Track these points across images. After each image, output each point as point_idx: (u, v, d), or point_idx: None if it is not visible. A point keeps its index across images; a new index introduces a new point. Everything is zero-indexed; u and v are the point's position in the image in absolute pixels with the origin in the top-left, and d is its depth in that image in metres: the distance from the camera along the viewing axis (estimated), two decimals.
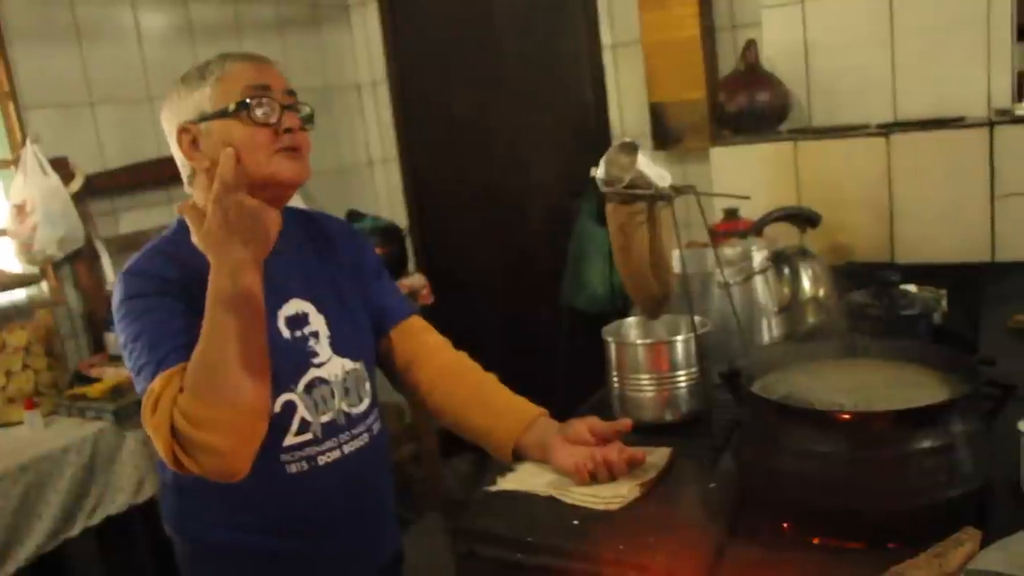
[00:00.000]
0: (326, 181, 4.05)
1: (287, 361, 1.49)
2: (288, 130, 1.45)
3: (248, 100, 1.43)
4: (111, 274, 2.98)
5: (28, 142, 2.81)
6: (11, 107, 2.88)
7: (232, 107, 1.43)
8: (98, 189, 3.07)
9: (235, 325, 1.31)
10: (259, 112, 1.43)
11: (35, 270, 2.85)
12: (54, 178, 2.83)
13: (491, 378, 1.70)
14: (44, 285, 2.82)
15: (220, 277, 1.32)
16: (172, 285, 1.41)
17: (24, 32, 2.91)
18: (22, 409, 2.51)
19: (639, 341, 1.72)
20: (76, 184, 2.95)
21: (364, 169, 4.35)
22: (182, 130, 1.47)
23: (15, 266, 2.83)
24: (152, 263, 1.45)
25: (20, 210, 2.78)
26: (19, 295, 2.65)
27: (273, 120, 1.44)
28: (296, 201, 3.54)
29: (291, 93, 1.49)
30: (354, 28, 4.24)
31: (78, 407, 2.58)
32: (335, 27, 4.18)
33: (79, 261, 2.99)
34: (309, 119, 1.52)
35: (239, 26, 3.70)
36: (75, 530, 2.38)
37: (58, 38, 3.03)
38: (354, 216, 3.83)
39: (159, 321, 1.38)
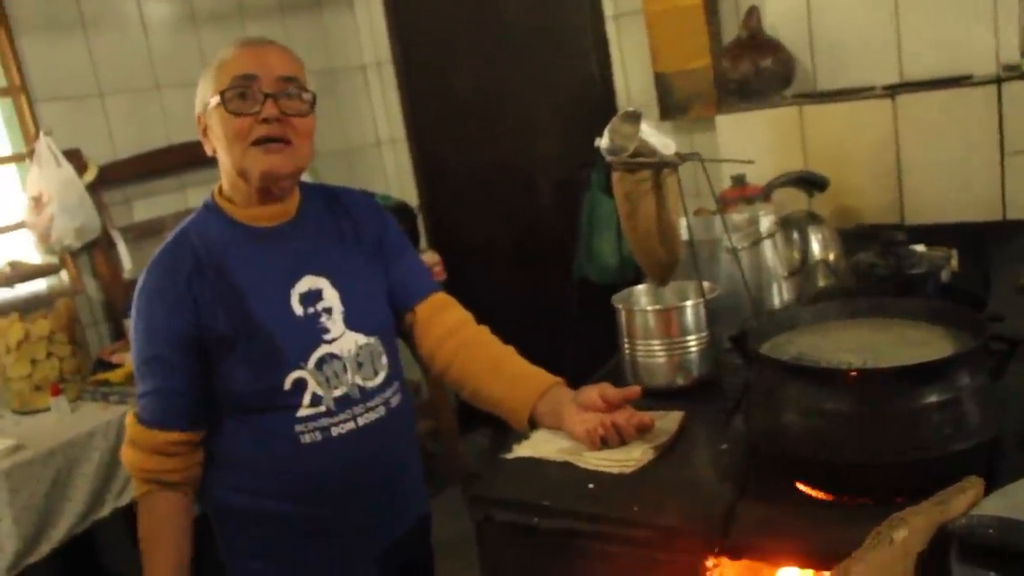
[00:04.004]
0: (334, 162, 4.07)
1: (298, 338, 1.54)
2: (267, 120, 1.47)
3: (224, 92, 1.47)
4: (128, 262, 3.02)
5: (41, 135, 2.84)
6: (23, 100, 2.92)
7: (216, 99, 1.48)
8: (111, 179, 3.11)
9: None
10: (232, 104, 1.47)
11: (54, 260, 2.89)
12: (68, 169, 2.87)
13: (509, 350, 1.73)
14: (63, 275, 2.87)
15: None
16: (183, 290, 1.51)
17: (31, 25, 2.94)
18: (48, 396, 2.57)
19: (649, 307, 1.74)
20: (90, 175, 2.99)
21: (372, 149, 4.36)
22: (198, 118, 1.56)
23: (35, 257, 2.87)
24: (175, 253, 1.54)
25: (37, 202, 2.82)
26: (40, 285, 2.69)
27: (248, 111, 1.47)
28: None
29: (287, 79, 1.50)
30: (357, 9, 4.24)
31: (102, 392, 2.63)
32: (337, 9, 4.18)
33: (96, 250, 3.04)
34: (309, 105, 1.53)
35: (242, 12, 3.71)
36: (105, 511, 2.44)
37: (64, 30, 3.06)
38: None
39: (151, 356, 1.54)
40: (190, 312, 1.50)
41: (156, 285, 1.53)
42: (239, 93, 1.47)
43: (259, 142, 1.48)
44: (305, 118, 1.53)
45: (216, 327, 1.50)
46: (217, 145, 1.53)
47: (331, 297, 1.58)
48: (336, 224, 1.66)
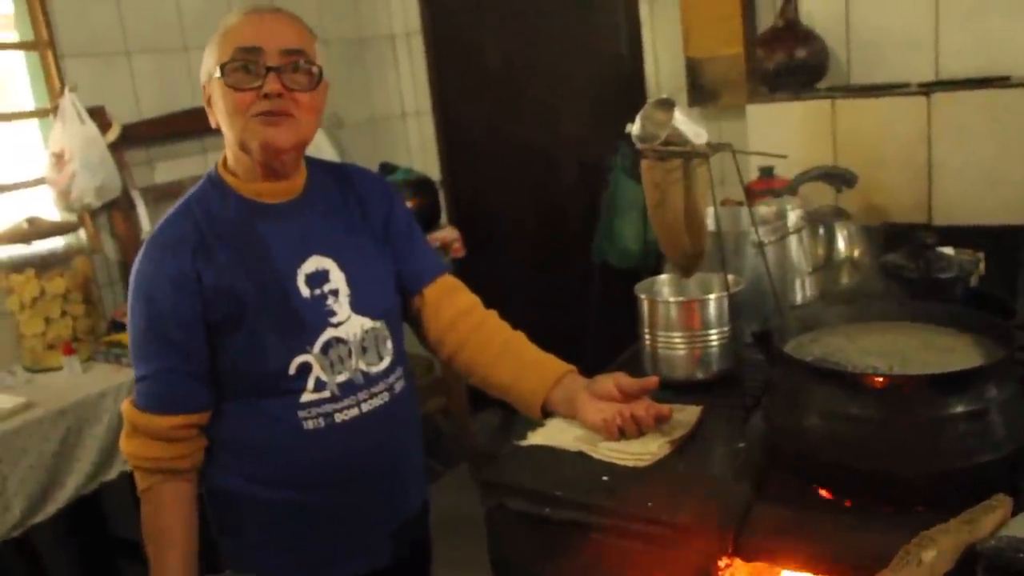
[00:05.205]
0: (359, 133, 4.05)
1: (304, 320, 1.50)
2: (268, 95, 1.42)
3: (225, 64, 1.43)
4: (147, 223, 3.01)
5: (66, 91, 2.83)
6: (50, 56, 2.90)
7: (218, 72, 1.44)
8: (134, 139, 3.10)
9: None
10: (233, 78, 1.43)
11: (73, 218, 2.89)
12: (92, 127, 2.85)
13: (520, 336, 1.69)
14: (82, 233, 2.86)
15: None
16: (187, 267, 1.45)
17: None
18: (60, 355, 2.57)
19: (672, 299, 1.72)
20: (113, 133, 2.97)
21: (397, 121, 4.34)
22: (203, 87, 1.52)
23: (54, 214, 2.86)
24: (177, 228, 1.50)
25: (59, 158, 2.81)
26: (57, 243, 2.69)
27: (249, 86, 1.42)
28: (330, 152, 3.56)
29: (293, 52, 1.44)
30: None
31: (114, 353, 2.62)
32: None
33: (115, 210, 3.03)
34: (315, 79, 1.47)
35: None
36: (113, 473, 2.43)
37: None
38: (387, 168, 3.83)
39: (151, 336, 1.48)
40: (193, 290, 1.45)
41: (157, 261, 1.47)
42: (241, 66, 1.42)
43: (259, 115, 1.43)
44: (309, 93, 1.47)
45: (220, 307, 1.46)
46: (219, 117, 1.49)
47: (337, 279, 1.53)
48: (344, 203, 1.61)
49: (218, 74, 1.44)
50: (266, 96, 1.42)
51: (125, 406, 1.53)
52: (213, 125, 1.52)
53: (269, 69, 1.42)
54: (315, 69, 1.47)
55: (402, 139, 4.35)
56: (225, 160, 1.55)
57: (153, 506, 1.51)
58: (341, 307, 1.53)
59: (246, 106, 1.43)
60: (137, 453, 1.51)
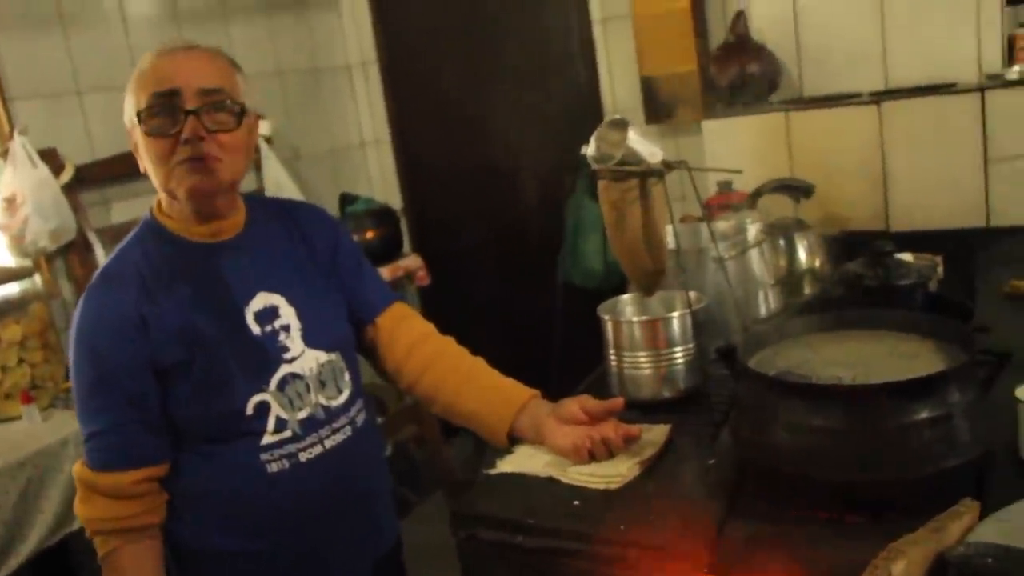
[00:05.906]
0: (318, 164, 4.03)
1: (258, 358, 1.46)
2: (189, 140, 1.37)
3: (141, 112, 1.39)
4: None
5: (16, 134, 2.78)
6: None
7: (136, 119, 1.41)
8: (88, 179, 3.05)
9: None
10: (150, 125, 1.39)
11: (28, 263, 2.84)
12: (43, 170, 2.81)
13: (479, 362, 1.68)
14: (37, 278, 2.80)
15: None
16: (131, 315, 1.41)
17: (7, 22, 2.88)
18: (19, 404, 2.51)
19: (635, 318, 1.72)
20: (66, 175, 2.93)
21: (356, 151, 4.32)
22: (128, 133, 1.47)
23: (8, 260, 2.81)
24: (118, 276, 1.46)
25: (10, 203, 2.77)
26: (12, 289, 2.63)
27: (168, 132, 1.38)
28: (290, 186, 3.53)
29: (211, 91, 1.39)
30: (342, 8, 4.20)
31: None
32: (323, 8, 4.13)
33: (72, 253, 2.98)
34: (236, 118, 1.42)
35: (225, 10, 3.66)
36: (77, 523, 2.35)
37: (42, 27, 3.00)
38: (348, 199, 3.81)
39: (100, 388, 1.43)
40: (140, 338, 1.40)
41: (99, 312, 1.43)
42: (158, 112, 1.38)
43: (183, 162, 1.39)
44: (232, 133, 1.41)
45: (169, 352, 1.41)
46: (145, 164, 1.45)
47: (288, 314, 1.50)
48: (287, 238, 1.58)
49: (137, 121, 1.40)
50: (187, 141, 1.37)
51: (77, 469, 1.46)
52: (142, 171, 1.48)
53: (187, 113, 1.37)
54: (237, 108, 1.43)
55: (362, 169, 4.34)
56: (160, 203, 1.52)
57: (119, 572, 1.44)
58: (293, 342, 1.50)
59: (168, 153, 1.39)
60: (97, 516, 1.44)
